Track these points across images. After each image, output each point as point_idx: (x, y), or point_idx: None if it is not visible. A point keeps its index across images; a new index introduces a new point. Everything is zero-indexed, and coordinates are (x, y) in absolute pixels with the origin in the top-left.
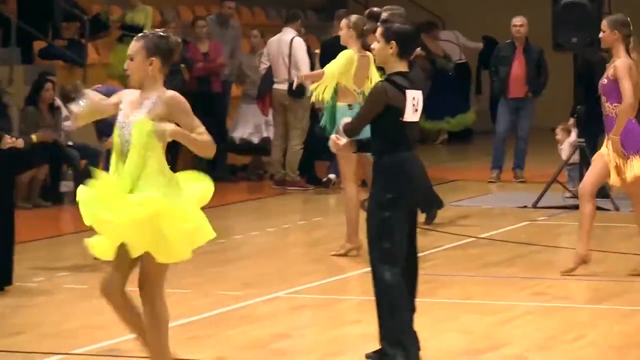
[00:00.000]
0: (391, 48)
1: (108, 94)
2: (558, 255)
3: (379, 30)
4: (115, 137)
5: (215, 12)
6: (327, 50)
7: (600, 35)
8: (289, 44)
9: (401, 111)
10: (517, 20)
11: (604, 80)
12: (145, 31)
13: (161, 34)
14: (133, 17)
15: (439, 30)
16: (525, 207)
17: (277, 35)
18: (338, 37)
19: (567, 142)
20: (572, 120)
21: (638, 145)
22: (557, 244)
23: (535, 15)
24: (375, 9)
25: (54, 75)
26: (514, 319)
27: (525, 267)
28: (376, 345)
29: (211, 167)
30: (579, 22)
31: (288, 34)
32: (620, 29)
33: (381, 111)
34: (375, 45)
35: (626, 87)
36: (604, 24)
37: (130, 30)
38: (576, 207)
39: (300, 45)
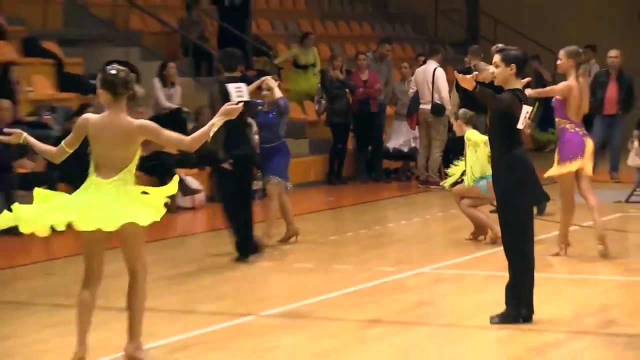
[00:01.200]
0: (511, 70)
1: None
2: None
3: (499, 56)
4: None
5: (373, 49)
6: None
7: (558, 62)
8: (432, 73)
9: (517, 119)
10: (613, 53)
11: (556, 98)
12: (318, 68)
13: (112, 71)
14: (304, 58)
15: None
16: (619, 201)
17: (423, 66)
18: (470, 68)
19: (633, 150)
20: (636, 132)
21: (567, 156)
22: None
23: (628, 48)
24: (500, 45)
25: None
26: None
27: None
28: (498, 310)
29: (370, 171)
30: None
31: (431, 65)
32: (574, 57)
33: (510, 113)
34: (495, 69)
35: (556, 88)
36: (562, 53)
37: (304, 69)
38: None
39: (441, 74)
